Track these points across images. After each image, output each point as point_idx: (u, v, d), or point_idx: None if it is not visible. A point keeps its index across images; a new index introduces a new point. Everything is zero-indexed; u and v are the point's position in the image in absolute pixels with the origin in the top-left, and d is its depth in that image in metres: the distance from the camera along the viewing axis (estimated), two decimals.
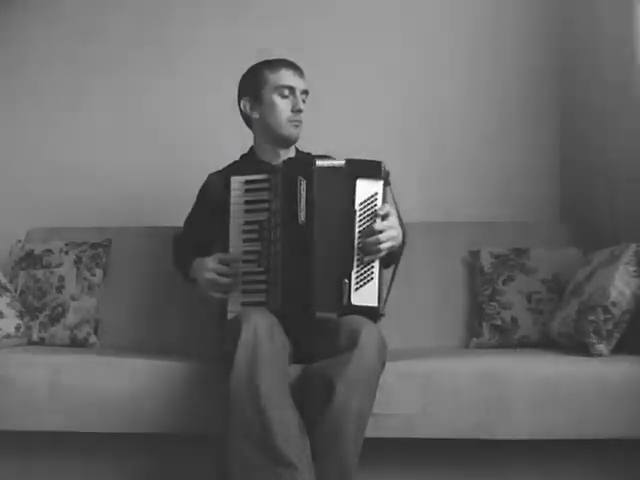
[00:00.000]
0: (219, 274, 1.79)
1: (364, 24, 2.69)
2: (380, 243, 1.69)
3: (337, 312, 1.70)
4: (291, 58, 2.02)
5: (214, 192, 1.98)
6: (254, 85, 1.99)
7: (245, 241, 1.79)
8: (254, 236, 1.78)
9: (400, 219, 1.80)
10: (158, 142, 2.71)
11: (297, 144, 2.05)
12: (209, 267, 1.80)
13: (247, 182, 1.80)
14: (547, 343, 2.09)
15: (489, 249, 2.28)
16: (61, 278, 2.29)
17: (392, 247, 1.73)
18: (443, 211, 2.60)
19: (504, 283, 2.21)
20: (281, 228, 1.74)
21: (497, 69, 2.67)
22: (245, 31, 2.69)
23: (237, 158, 2.11)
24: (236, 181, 1.81)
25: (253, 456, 1.47)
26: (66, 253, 2.33)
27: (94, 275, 2.29)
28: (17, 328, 2.18)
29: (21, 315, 2.22)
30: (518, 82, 2.66)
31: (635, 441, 1.73)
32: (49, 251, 2.34)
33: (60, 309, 2.25)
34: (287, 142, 2.00)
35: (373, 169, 1.73)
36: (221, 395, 1.55)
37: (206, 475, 1.83)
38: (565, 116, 2.62)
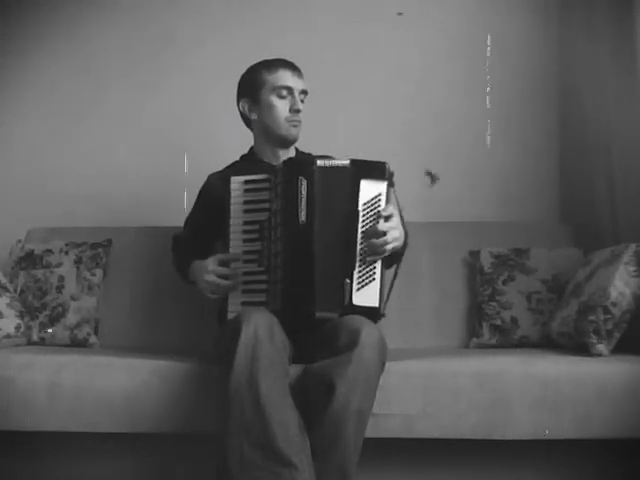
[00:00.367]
0: (219, 276, 1.79)
1: (365, 24, 2.69)
2: (383, 244, 1.69)
3: (338, 312, 1.70)
4: (292, 58, 2.01)
5: (214, 192, 1.98)
6: (252, 86, 1.99)
7: (245, 241, 1.79)
8: (254, 236, 1.78)
9: (403, 220, 1.80)
10: (158, 142, 2.71)
11: (297, 144, 2.05)
12: (209, 269, 1.80)
13: (247, 182, 1.80)
14: (547, 343, 2.09)
15: (489, 249, 2.28)
16: (61, 278, 2.28)
17: (394, 248, 1.73)
18: (443, 211, 2.60)
19: (504, 283, 2.21)
20: (281, 228, 1.74)
21: (497, 69, 2.67)
22: (246, 31, 2.69)
23: (237, 158, 2.11)
24: (236, 181, 1.81)
25: (253, 456, 1.46)
26: (66, 253, 2.33)
27: (94, 275, 2.29)
28: (17, 328, 2.18)
29: (21, 315, 2.22)
30: (518, 82, 2.66)
31: (635, 441, 1.73)
32: (49, 251, 2.34)
33: (60, 309, 2.25)
34: (286, 142, 2.00)
35: (378, 170, 1.72)
36: (221, 395, 1.55)
37: (206, 475, 1.83)
38: (565, 116, 2.62)
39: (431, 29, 2.69)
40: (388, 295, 1.80)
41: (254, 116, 2.01)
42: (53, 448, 1.93)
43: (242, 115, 2.05)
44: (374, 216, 1.71)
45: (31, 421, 1.79)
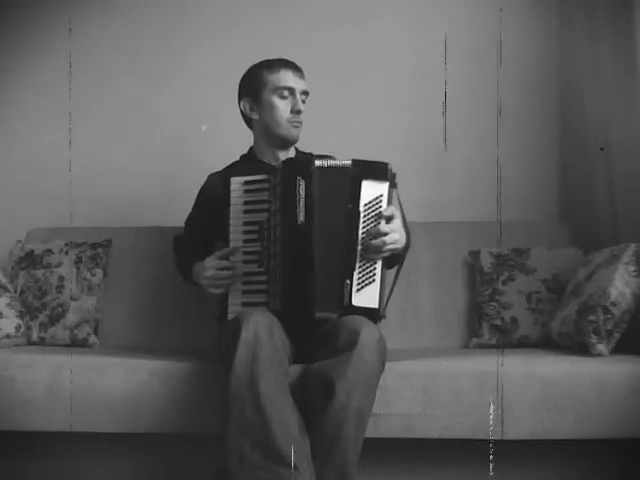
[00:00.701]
0: (218, 269, 1.79)
1: (365, 24, 2.69)
2: (384, 245, 1.69)
3: (337, 312, 1.70)
4: (292, 58, 2.01)
5: (214, 193, 1.98)
6: (253, 86, 1.99)
7: (245, 241, 1.79)
8: (254, 236, 1.78)
9: (405, 222, 1.79)
10: (158, 142, 2.71)
11: (297, 144, 2.05)
12: (207, 265, 1.81)
13: (246, 182, 1.80)
14: (547, 343, 2.09)
15: (489, 249, 2.28)
16: (61, 278, 2.29)
17: (395, 249, 1.73)
18: (443, 211, 2.60)
19: (504, 283, 2.21)
20: (281, 228, 1.74)
21: (497, 69, 2.67)
22: (246, 31, 2.69)
23: (237, 159, 2.11)
24: (236, 182, 1.81)
25: (253, 456, 1.47)
26: (66, 253, 2.33)
27: (94, 275, 2.29)
28: (17, 328, 2.18)
29: (21, 315, 2.22)
30: (518, 82, 2.66)
31: (635, 441, 1.73)
32: (49, 251, 2.34)
33: (60, 309, 2.25)
34: (286, 143, 2.00)
35: (379, 170, 1.72)
36: (221, 395, 1.55)
37: (206, 475, 1.83)
38: (565, 116, 2.62)
39: (431, 29, 2.69)
40: (389, 297, 1.80)
41: (255, 116, 2.01)
42: (53, 448, 1.93)
43: (243, 115, 2.05)
44: (375, 217, 1.71)
45: (31, 421, 1.79)
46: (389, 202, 1.72)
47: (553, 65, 2.66)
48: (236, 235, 1.79)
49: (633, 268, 1.86)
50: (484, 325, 2.19)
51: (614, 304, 1.82)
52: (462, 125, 2.67)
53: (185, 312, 2.28)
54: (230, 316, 1.74)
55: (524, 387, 1.71)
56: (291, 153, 2.06)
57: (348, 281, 1.70)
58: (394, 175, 1.74)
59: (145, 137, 2.72)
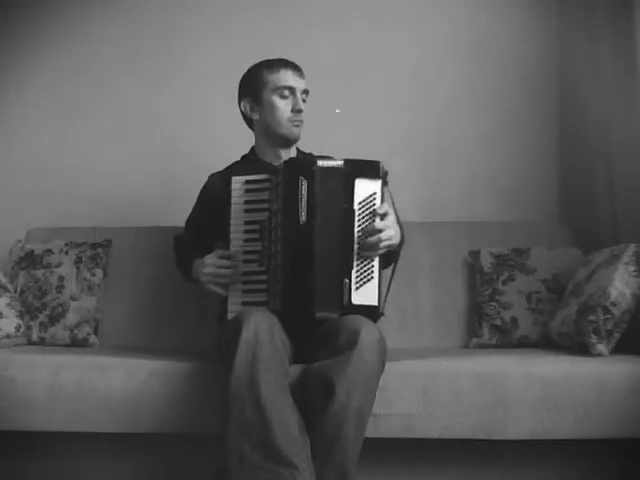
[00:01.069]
0: (218, 266, 1.79)
1: (365, 24, 2.69)
2: (379, 242, 1.69)
3: (338, 312, 1.70)
4: (292, 57, 2.01)
5: (215, 192, 1.98)
6: (254, 86, 1.99)
7: (246, 241, 1.79)
8: (255, 236, 1.78)
9: (398, 218, 1.80)
10: (158, 142, 2.71)
11: (298, 144, 2.05)
12: (207, 262, 1.81)
13: (248, 182, 1.80)
14: (547, 343, 2.09)
15: (489, 249, 2.28)
16: (61, 278, 2.28)
17: (391, 246, 1.74)
18: (443, 211, 2.60)
19: (504, 283, 2.21)
20: (282, 228, 1.74)
21: (498, 69, 2.67)
22: (246, 31, 2.69)
23: (238, 159, 2.11)
24: (237, 181, 1.81)
25: (253, 456, 1.46)
26: (66, 253, 2.33)
27: (94, 275, 2.29)
28: (17, 328, 2.18)
29: (21, 315, 2.22)
30: (518, 82, 2.66)
31: (635, 441, 1.73)
32: (49, 251, 2.34)
33: (60, 309, 2.25)
34: (287, 142, 2.00)
35: (371, 169, 1.73)
36: (221, 395, 1.55)
37: (206, 475, 1.83)
38: (565, 116, 2.62)
39: (431, 29, 2.69)
40: (386, 294, 1.80)
41: (256, 116, 2.01)
42: (53, 448, 1.93)
43: (243, 115, 2.05)
44: (370, 215, 1.72)
45: (31, 421, 1.79)
46: (382, 199, 1.73)
47: (553, 65, 2.66)
48: (237, 235, 1.79)
49: (633, 268, 1.86)
50: (484, 325, 2.19)
51: (614, 304, 1.82)
52: (462, 125, 2.67)
53: (185, 312, 2.28)
54: (230, 315, 1.74)
55: (524, 387, 1.71)
56: (292, 153, 2.06)
57: (347, 280, 1.70)
58: (386, 173, 1.75)
59: (145, 137, 2.72)
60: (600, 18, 2.31)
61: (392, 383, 1.71)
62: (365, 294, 1.70)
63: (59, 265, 2.30)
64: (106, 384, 1.78)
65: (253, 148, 2.08)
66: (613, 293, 1.83)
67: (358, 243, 1.71)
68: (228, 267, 1.79)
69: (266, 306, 1.72)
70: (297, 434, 1.49)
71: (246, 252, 1.78)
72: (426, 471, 1.86)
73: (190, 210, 2.12)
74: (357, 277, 1.71)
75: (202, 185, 2.09)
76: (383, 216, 1.72)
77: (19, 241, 2.44)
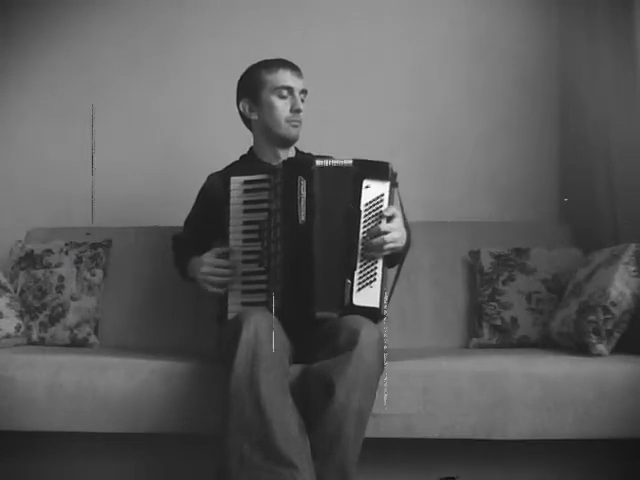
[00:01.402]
0: (216, 267, 1.79)
1: (365, 24, 2.69)
2: (384, 244, 1.69)
3: (338, 312, 1.70)
4: (291, 58, 2.01)
5: (214, 192, 1.98)
6: (252, 86, 1.99)
7: (245, 241, 1.79)
8: (254, 236, 1.78)
9: (406, 221, 1.79)
10: (158, 142, 2.71)
11: (297, 144, 2.05)
12: (205, 262, 1.81)
13: (247, 182, 1.80)
14: (547, 343, 2.09)
15: (489, 249, 2.28)
16: (61, 278, 2.29)
17: (395, 248, 1.73)
18: (443, 211, 2.60)
19: (504, 283, 2.21)
20: (281, 228, 1.74)
21: (498, 70, 2.67)
22: (245, 31, 2.69)
23: (237, 159, 2.11)
24: (236, 181, 1.81)
25: (253, 456, 1.46)
26: (66, 253, 2.33)
27: (94, 275, 2.29)
28: (17, 328, 2.18)
29: (21, 315, 2.22)
30: (518, 82, 2.66)
31: (635, 441, 1.73)
32: (49, 251, 2.34)
33: (60, 309, 2.25)
34: (286, 142, 2.00)
35: (380, 170, 1.72)
36: (221, 395, 1.55)
37: (206, 475, 1.83)
38: (565, 116, 2.62)
39: (431, 29, 2.69)
40: (389, 296, 1.80)
41: (254, 116, 2.01)
42: (53, 448, 1.93)
43: (242, 115, 2.05)
44: (376, 216, 1.71)
45: (31, 421, 1.79)
46: (390, 202, 1.72)
47: (553, 65, 2.66)
48: (236, 235, 1.79)
49: (633, 268, 1.86)
50: (484, 325, 2.19)
51: (614, 304, 1.82)
52: (462, 125, 2.67)
53: (185, 312, 2.28)
54: (230, 315, 1.74)
55: (524, 387, 1.71)
56: (291, 153, 2.06)
57: (349, 281, 1.70)
58: (395, 175, 1.74)
59: (145, 137, 2.72)
60: (600, 18, 2.30)
61: (392, 383, 1.71)
62: (367, 295, 1.70)
63: (59, 265, 2.30)
64: (106, 384, 1.78)
65: (252, 148, 2.08)
66: (613, 293, 1.83)
67: (362, 244, 1.70)
68: (226, 267, 1.79)
69: (266, 306, 1.72)
70: (297, 434, 1.49)
71: (245, 252, 1.78)
72: (426, 471, 1.86)
73: (189, 210, 2.12)
74: (360, 278, 1.70)
75: (201, 185, 2.09)
76: (390, 218, 1.71)
77: (19, 241, 2.44)
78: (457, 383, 1.72)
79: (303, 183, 1.72)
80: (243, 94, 2.02)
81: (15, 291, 2.30)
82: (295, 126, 1.97)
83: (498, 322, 2.18)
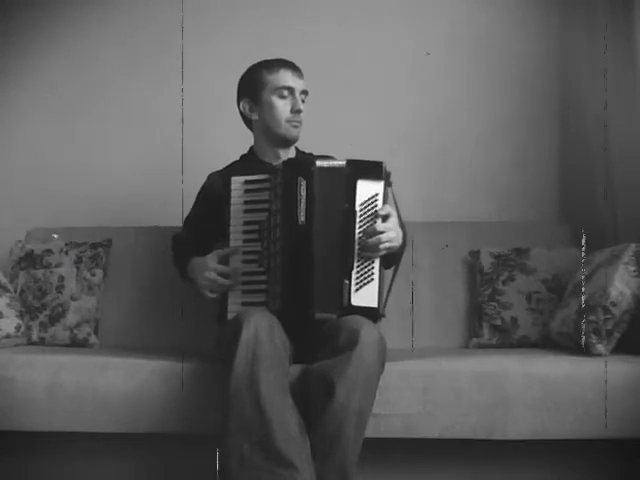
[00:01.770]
0: (219, 274, 1.79)
1: (365, 24, 2.69)
2: (380, 243, 1.69)
3: (337, 313, 1.70)
4: (292, 58, 2.01)
5: (214, 192, 1.98)
6: (253, 87, 1.99)
7: (245, 241, 1.79)
8: (254, 236, 1.78)
9: (401, 220, 1.80)
10: (158, 142, 2.71)
11: (297, 144, 2.05)
12: (209, 267, 1.80)
13: (247, 182, 1.80)
14: (547, 343, 2.09)
15: (489, 249, 2.28)
16: (61, 278, 2.28)
17: (392, 248, 1.73)
18: (443, 211, 2.60)
19: (504, 283, 2.21)
20: (281, 228, 1.74)
21: (498, 70, 2.67)
22: (246, 31, 2.69)
23: (237, 158, 2.11)
24: (236, 181, 1.81)
25: (253, 456, 1.47)
26: (66, 253, 2.33)
27: (94, 275, 2.29)
28: (17, 328, 2.18)
29: (21, 315, 2.22)
30: (518, 82, 2.66)
31: (635, 441, 1.73)
32: (49, 251, 2.34)
33: (60, 309, 2.25)
34: (287, 142, 2.00)
35: (374, 170, 1.72)
36: (221, 395, 1.55)
37: (206, 475, 1.83)
38: (565, 116, 2.62)
39: (431, 29, 2.69)
40: (387, 295, 1.80)
41: (255, 116, 2.01)
42: (53, 448, 1.93)
43: (242, 115, 2.05)
44: (371, 216, 1.71)
45: (31, 421, 1.79)
46: (385, 201, 1.73)
47: (553, 65, 2.66)
48: (236, 235, 1.79)
49: (633, 268, 1.86)
50: (484, 325, 2.19)
51: (614, 304, 1.82)
52: (462, 125, 2.67)
53: (185, 312, 2.28)
54: (230, 315, 1.74)
55: (524, 387, 1.71)
56: (291, 153, 2.06)
57: (347, 281, 1.70)
58: (389, 174, 1.74)
59: (145, 137, 2.72)
60: (600, 18, 2.30)
61: (392, 383, 1.71)
62: (365, 296, 1.70)
63: (59, 265, 2.30)
64: (106, 384, 1.78)
65: (252, 148, 2.08)
66: (613, 293, 1.83)
67: (359, 244, 1.70)
68: (228, 274, 1.78)
69: (265, 306, 1.72)
70: (297, 434, 1.49)
71: (246, 252, 1.78)
72: (426, 471, 1.86)
73: (190, 210, 2.12)
74: (357, 278, 1.70)
75: (202, 185, 2.09)
76: (385, 218, 1.72)
77: (19, 241, 2.44)
78: (457, 383, 1.72)
79: (303, 184, 1.72)
80: (243, 94, 2.02)
81: (15, 291, 2.30)
82: (295, 126, 1.97)
83: (498, 322, 2.18)
